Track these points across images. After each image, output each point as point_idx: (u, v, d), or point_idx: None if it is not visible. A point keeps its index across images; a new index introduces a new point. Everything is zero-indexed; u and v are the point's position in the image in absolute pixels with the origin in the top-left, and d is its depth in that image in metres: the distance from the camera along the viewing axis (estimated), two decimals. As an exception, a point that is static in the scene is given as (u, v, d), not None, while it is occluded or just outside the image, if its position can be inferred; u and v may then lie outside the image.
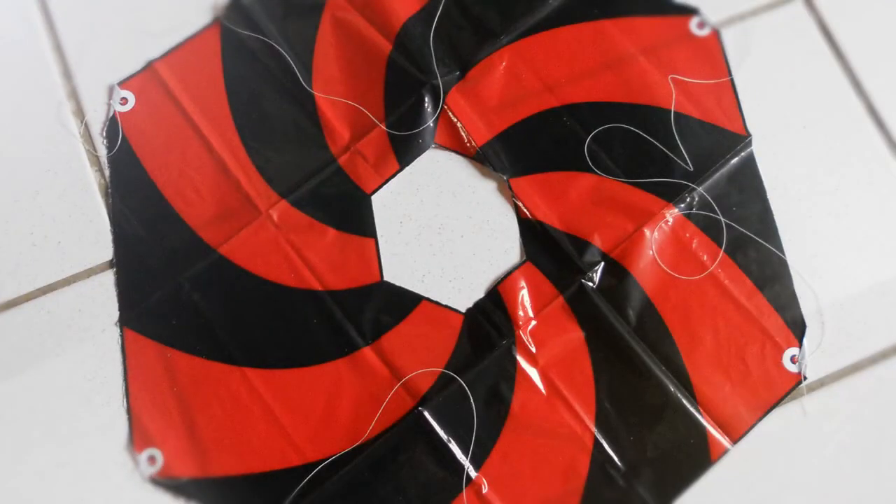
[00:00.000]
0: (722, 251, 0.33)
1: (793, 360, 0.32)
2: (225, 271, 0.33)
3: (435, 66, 0.35)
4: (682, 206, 0.33)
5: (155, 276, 0.33)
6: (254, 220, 0.33)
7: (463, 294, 0.33)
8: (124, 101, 0.35)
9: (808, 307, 0.33)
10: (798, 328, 0.32)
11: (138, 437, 0.31)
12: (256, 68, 0.35)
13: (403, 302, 0.33)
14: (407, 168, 0.34)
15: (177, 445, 0.31)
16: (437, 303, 0.33)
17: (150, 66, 0.35)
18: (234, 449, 0.31)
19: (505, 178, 0.34)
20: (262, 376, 0.32)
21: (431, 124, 0.35)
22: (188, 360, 0.32)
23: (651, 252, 0.33)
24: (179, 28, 0.36)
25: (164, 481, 0.31)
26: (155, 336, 0.32)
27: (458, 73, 0.35)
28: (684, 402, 0.31)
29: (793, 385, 0.32)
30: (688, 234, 0.33)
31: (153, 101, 0.35)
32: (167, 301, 0.32)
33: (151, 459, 0.31)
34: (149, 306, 0.32)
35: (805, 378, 0.32)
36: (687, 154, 0.34)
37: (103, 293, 0.33)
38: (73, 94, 0.35)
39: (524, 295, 0.33)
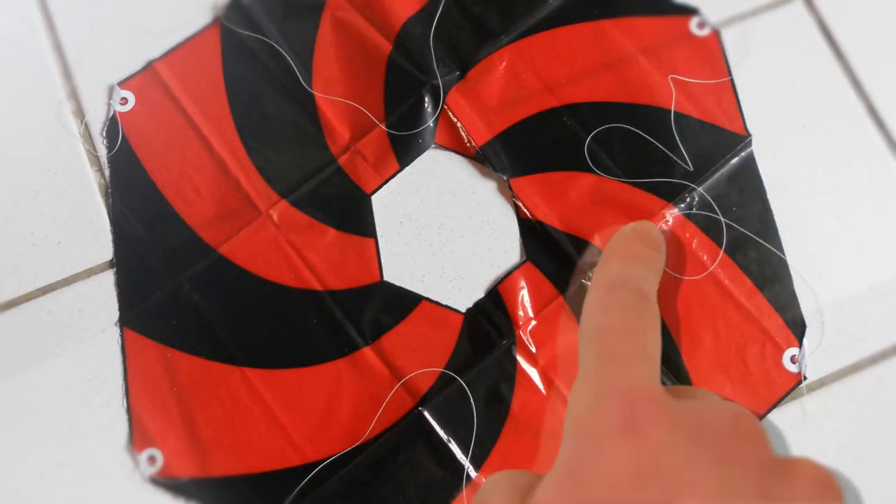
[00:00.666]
0: (722, 251, 0.33)
1: (793, 360, 0.32)
2: (225, 271, 0.33)
3: (435, 66, 0.35)
4: (682, 206, 0.33)
5: (155, 276, 0.33)
6: (254, 220, 0.33)
7: (463, 294, 0.33)
8: (124, 101, 0.35)
9: (808, 307, 0.33)
10: (798, 328, 0.32)
11: (138, 437, 0.31)
12: (256, 68, 0.35)
13: (403, 302, 0.33)
14: (407, 168, 0.34)
15: (177, 445, 0.31)
16: (437, 303, 0.33)
17: (150, 66, 0.35)
18: (234, 449, 0.31)
19: (505, 178, 0.34)
20: (262, 376, 0.32)
21: (431, 124, 0.35)
22: (188, 360, 0.32)
23: (651, 252, 0.33)
24: (179, 28, 0.36)
25: (164, 481, 0.31)
26: (155, 336, 0.32)
27: (458, 73, 0.35)
28: (684, 402, 0.31)
29: (793, 385, 0.32)
30: (688, 234, 0.33)
31: (153, 101, 0.35)
32: (167, 301, 0.32)
33: (151, 459, 0.31)
34: (149, 306, 0.32)
35: (805, 378, 0.32)
36: (687, 154, 0.34)
37: (103, 293, 0.33)
38: (73, 94, 0.35)
39: (524, 295, 0.33)
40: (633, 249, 0.30)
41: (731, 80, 0.35)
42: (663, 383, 0.31)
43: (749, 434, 0.25)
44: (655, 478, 0.23)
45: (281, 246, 0.33)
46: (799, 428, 0.32)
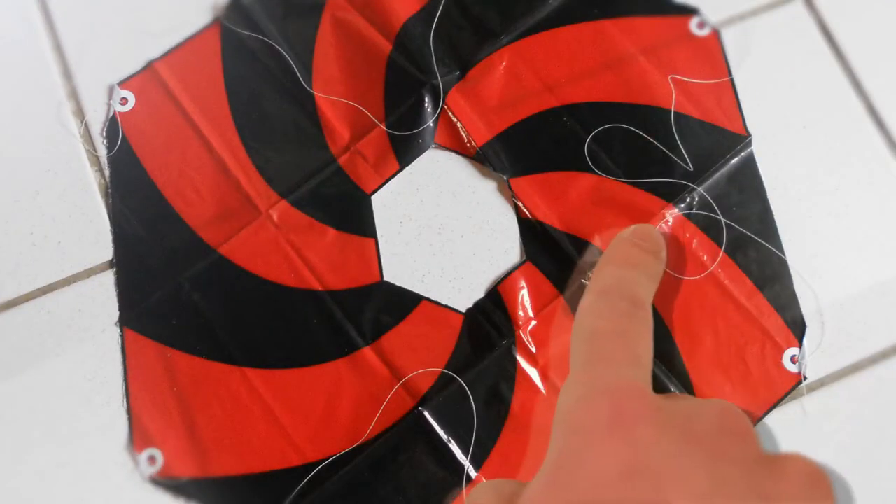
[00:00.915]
0: (722, 251, 0.33)
1: (793, 360, 0.32)
2: (225, 271, 0.33)
3: (435, 66, 0.35)
4: (682, 206, 0.33)
5: (155, 276, 0.33)
6: (254, 220, 0.33)
7: (463, 294, 0.33)
8: (124, 101, 0.35)
9: (808, 307, 0.33)
10: (798, 328, 0.32)
11: (138, 437, 0.31)
12: (256, 68, 0.35)
13: (403, 302, 0.33)
14: (407, 168, 0.34)
15: (177, 445, 0.31)
16: (437, 303, 0.33)
17: (150, 66, 0.35)
18: (234, 449, 0.31)
19: (505, 178, 0.34)
20: (262, 376, 0.32)
21: (431, 124, 0.35)
22: (188, 360, 0.32)
23: (651, 252, 0.33)
24: (179, 28, 0.36)
25: (164, 481, 0.31)
26: (155, 336, 0.32)
27: (458, 73, 0.35)
28: (684, 402, 0.31)
29: (793, 385, 0.32)
30: (688, 234, 0.33)
31: (153, 101, 0.35)
32: (167, 301, 0.32)
33: (151, 459, 0.31)
34: (149, 306, 0.32)
35: (805, 378, 0.32)
36: (687, 154, 0.34)
37: (103, 293, 0.33)
38: (73, 94, 0.35)
39: (524, 295, 0.33)
40: (630, 254, 0.30)
41: (731, 80, 0.35)
42: (666, 386, 0.31)
43: (738, 430, 0.25)
44: (645, 475, 0.23)
45: (281, 246, 0.33)
46: (799, 428, 0.32)
